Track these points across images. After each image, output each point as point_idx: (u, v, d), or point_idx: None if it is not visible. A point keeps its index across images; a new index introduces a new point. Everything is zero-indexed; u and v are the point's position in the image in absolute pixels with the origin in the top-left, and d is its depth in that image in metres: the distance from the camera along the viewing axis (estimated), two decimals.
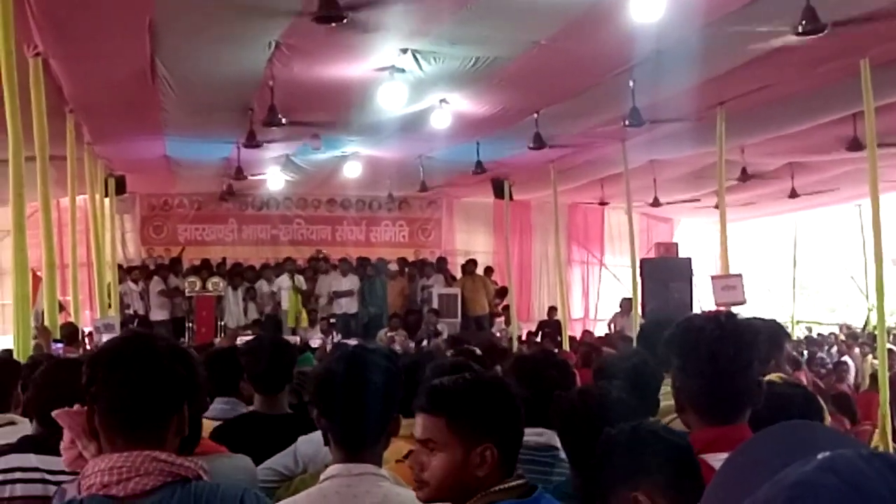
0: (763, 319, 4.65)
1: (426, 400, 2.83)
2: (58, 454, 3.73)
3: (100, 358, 2.51)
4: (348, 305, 21.26)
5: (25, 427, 4.33)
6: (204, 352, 6.38)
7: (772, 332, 4.47)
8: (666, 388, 4.15)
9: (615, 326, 20.78)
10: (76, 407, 2.58)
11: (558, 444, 3.85)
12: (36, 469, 3.78)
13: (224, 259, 22.42)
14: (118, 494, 2.34)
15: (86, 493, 2.38)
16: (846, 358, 18.58)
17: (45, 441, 3.93)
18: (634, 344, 14.19)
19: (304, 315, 20.70)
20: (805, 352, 18.19)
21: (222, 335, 18.71)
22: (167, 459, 2.41)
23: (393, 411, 3.19)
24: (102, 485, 2.36)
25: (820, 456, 1.01)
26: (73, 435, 2.53)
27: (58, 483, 3.74)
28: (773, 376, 4.10)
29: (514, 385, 2.93)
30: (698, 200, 21.44)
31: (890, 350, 16.11)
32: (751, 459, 1.23)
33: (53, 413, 2.57)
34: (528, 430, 3.06)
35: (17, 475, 3.76)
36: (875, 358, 14.12)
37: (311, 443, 4.15)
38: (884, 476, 0.96)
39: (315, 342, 16.81)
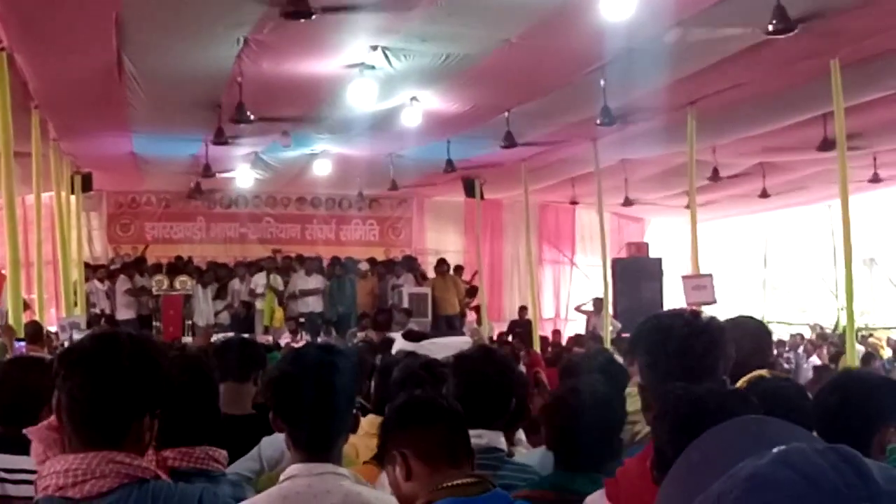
0: (751, 319, 4.61)
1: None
2: (18, 453, 3.68)
3: (67, 356, 2.50)
4: (314, 304, 21.19)
5: None
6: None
7: (757, 332, 4.44)
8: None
9: (588, 325, 20.82)
10: (49, 420, 2.51)
11: (501, 446, 3.80)
12: None
13: (190, 258, 22.27)
14: (74, 496, 2.32)
15: (42, 495, 2.36)
16: (814, 357, 18.66)
17: (4, 440, 3.86)
18: (608, 344, 14.29)
19: (279, 314, 20.63)
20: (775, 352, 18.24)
21: (190, 334, 18.60)
22: (123, 461, 2.37)
23: (351, 409, 3.16)
24: (58, 487, 2.33)
25: (774, 450, 1.02)
26: (45, 447, 2.47)
27: (16, 482, 3.68)
28: (761, 372, 4.09)
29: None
30: (669, 201, 21.51)
31: (869, 354, 16.25)
32: (704, 456, 1.22)
33: (25, 431, 2.53)
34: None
35: None
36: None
37: (274, 445, 4.10)
38: (838, 468, 0.97)
39: (285, 340, 16.75)
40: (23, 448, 3.66)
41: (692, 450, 1.26)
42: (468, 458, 2.92)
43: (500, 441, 3.81)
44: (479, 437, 3.74)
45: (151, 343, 2.63)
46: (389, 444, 2.96)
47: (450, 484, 2.67)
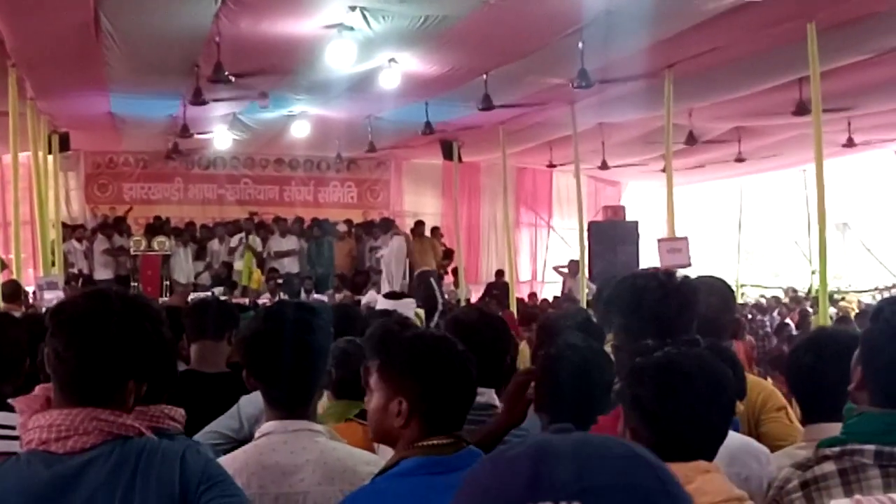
0: (713, 278, 4.66)
1: (373, 340, 2.88)
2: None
3: (57, 313, 2.50)
4: (290, 265, 21.20)
5: None
6: None
7: (722, 290, 4.48)
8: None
9: (564, 287, 20.93)
10: (37, 389, 2.53)
11: (497, 403, 3.85)
12: None
13: (168, 219, 22.21)
14: (57, 451, 2.35)
15: (26, 449, 2.39)
16: (788, 320, 18.81)
17: None
18: (585, 304, 14.37)
19: (257, 275, 20.64)
20: (749, 315, 18.40)
21: (168, 294, 18.59)
22: (107, 418, 2.41)
23: (325, 366, 3.19)
24: (41, 441, 2.36)
25: None
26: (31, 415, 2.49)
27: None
28: None
29: (464, 350, 2.86)
30: (646, 165, 21.56)
31: (844, 317, 16.37)
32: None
33: (11, 401, 2.54)
34: None
35: None
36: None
37: (253, 403, 4.13)
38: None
39: (263, 301, 16.78)
40: (2, 404, 3.72)
41: None
42: (461, 425, 2.83)
43: (496, 399, 3.87)
44: (481, 395, 3.78)
45: (144, 305, 2.61)
46: (392, 380, 2.77)
47: (426, 443, 2.70)
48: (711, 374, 2.39)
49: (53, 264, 16.37)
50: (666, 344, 2.50)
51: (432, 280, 17.76)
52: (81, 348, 2.40)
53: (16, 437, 2.55)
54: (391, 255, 18.64)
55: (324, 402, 4.26)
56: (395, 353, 2.79)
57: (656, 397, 2.37)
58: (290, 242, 21.46)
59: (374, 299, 12.02)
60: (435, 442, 2.70)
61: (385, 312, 6.29)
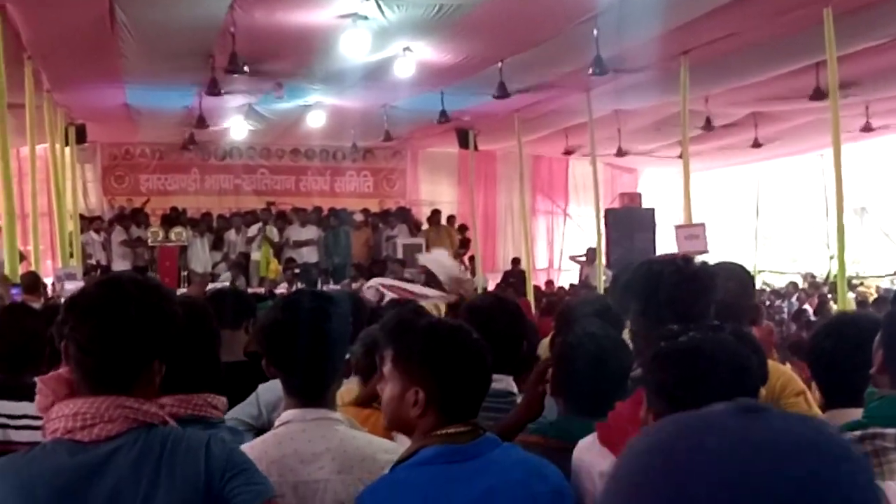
0: (732, 263, 4.64)
1: (387, 329, 2.88)
2: (19, 399, 3.73)
3: (73, 305, 2.50)
4: (309, 255, 21.23)
5: None
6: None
7: (741, 275, 4.46)
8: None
9: (581, 275, 20.92)
10: (60, 369, 2.53)
11: (514, 390, 3.86)
12: None
13: (184, 209, 22.26)
14: (83, 440, 2.35)
15: (50, 438, 2.39)
16: (806, 306, 18.77)
17: (4, 387, 3.91)
18: (602, 291, 14.35)
19: (274, 265, 20.68)
20: (766, 301, 18.37)
21: (186, 285, 18.64)
22: (132, 406, 2.41)
23: (343, 355, 3.20)
24: (66, 430, 2.37)
25: None
26: (53, 397, 2.49)
27: (18, 428, 3.72)
28: None
29: (480, 338, 2.86)
30: (662, 151, 21.49)
31: (862, 301, 16.32)
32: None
33: (37, 379, 2.52)
34: None
35: None
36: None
37: (271, 390, 4.14)
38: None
39: (281, 290, 16.80)
40: (24, 394, 3.75)
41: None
42: (477, 413, 2.83)
43: (514, 385, 3.88)
44: (499, 382, 3.78)
45: (156, 286, 2.63)
46: (407, 370, 2.78)
47: (443, 432, 2.71)
48: (735, 360, 2.38)
49: (72, 256, 16.46)
50: (690, 329, 2.49)
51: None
52: (103, 337, 2.41)
53: (36, 427, 2.56)
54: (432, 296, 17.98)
55: (353, 389, 4.27)
56: (409, 343, 2.79)
57: (680, 382, 2.36)
58: (310, 232, 21.48)
59: (374, 285, 12.03)
60: (452, 430, 2.71)
61: (399, 302, 6.31)
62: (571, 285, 20.28)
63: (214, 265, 20.79)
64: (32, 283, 11.37)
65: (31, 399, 3.66)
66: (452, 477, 2.64)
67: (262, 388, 4.30)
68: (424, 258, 12.52)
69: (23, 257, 12.99)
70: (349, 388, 4.19)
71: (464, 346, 2.77)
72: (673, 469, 1.00)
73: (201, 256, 20.59)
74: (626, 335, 3.95)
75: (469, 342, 2.80)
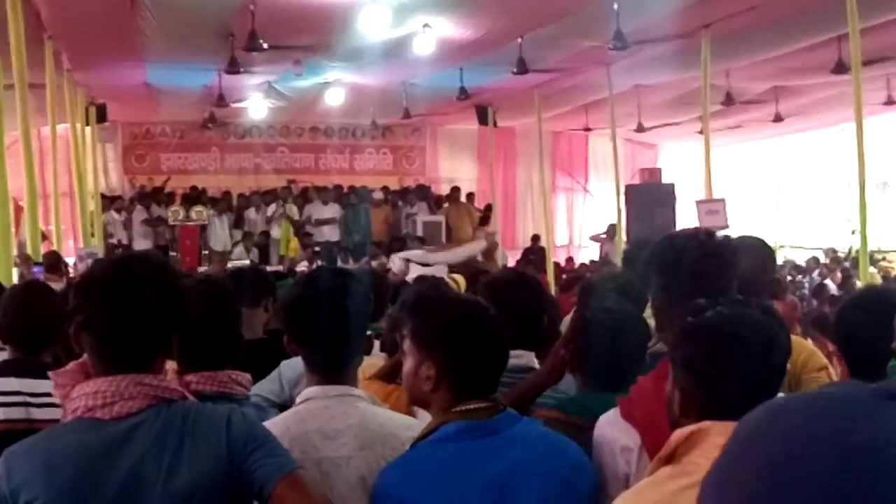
0: (751, 237, 4.62)
1: (406, 305, 2.92)
2: (39, 377, 3.76)
3: (84, 285, 2.50)
4: (330, 233, 21.28)
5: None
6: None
7: (761, 250, 4.45)
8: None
9: (601, 251, 20.89)
10: (74, 364, 2.54)
11: (536, 365, 3.86)
12: (17, 392, 3.78)
13: (204, 189, 22.34)
14: (104, 417, 2.37)
15: (72, 417, 2.41)
16: (827, 281, 18.70)
17: (25, 365, 3.93)
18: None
19: (294, 244, 20.73)
20: (788, 276, 18.31)
21: (207, 263, 18.71)
22: (151, 382, 2.43)
23: (364, 331, 3.21)
24: (87, 408, 2.38)
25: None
26: (71, 385, 2.51)
27: (40, 405, 3.74)
28: None
29: (497, 314, 2.86)
30: (683, 126, 21.41)
31: (885, 276, 16.24)
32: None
33: (51, 374, 2.54)
34: None
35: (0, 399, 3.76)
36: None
37: (293, 367, 4.16)
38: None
39: (301, 268, 16.84)
40: (44, 372, 3.75)
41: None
42: (494, 390, 2.83)
43: (535, 361, 3.89)
44: (519, 357, 3.78)
45: (162, 263, 2.64)
46: (421, 345, 2.80)
47: (463, 408, 2.71)
48: (764, 335, 2.37)
49: (93, 235, 16.54)
50: (717, 303, 2.48)
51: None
52: (120, 324, 2.41)
53: (58, 405, 2.57)
54: (466, 253, 17.85)
55: (376, 364, 4.27)
56: (424, 318, 2.82)
57: (708, 357, 2.35)
58: (332, 210, 21.53)
59: (399, 269, 12.05)
60: (472, 406, 2.71)
61: (422, 278, 6.31)
62: (592, 261, 20.26)
63: (235, 244, 20.84)
64: (54, 262, 11.45)
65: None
66: (474, 452, 2.65)
67: (284, 364, 4.32)
68: (435, 258, 12.56)
69: (44, 237, 13.09)
70: (372, 362, 4.20)
71: (478, 323, 2.77)
72: (819, 469, 0.90)
73: (220, 235, 20.66)
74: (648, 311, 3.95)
75: (484, 318, 2.80)
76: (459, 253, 15.26)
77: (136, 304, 2.41)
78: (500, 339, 2.81)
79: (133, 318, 2.42)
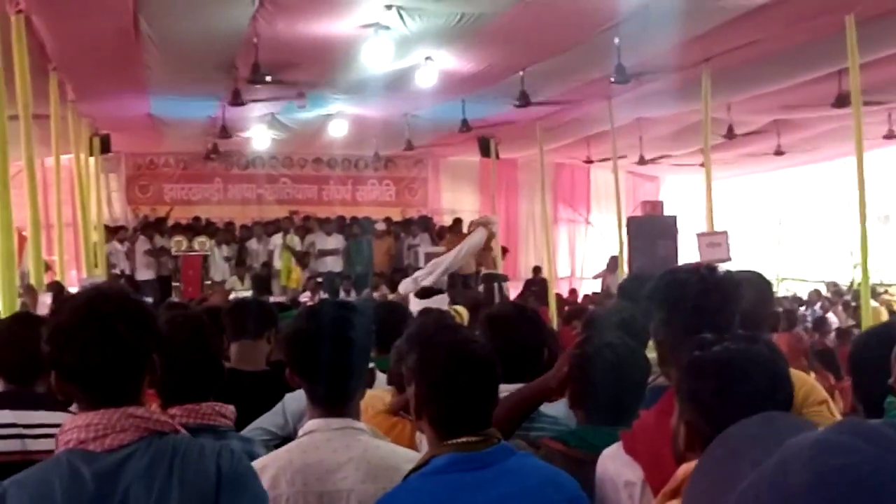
0: (749, 271, 4.64)
1: (406, 339, 3.02)
2: (33, 408, 3.76)
3: (56, 336, 2.46)
4: (333, 264, 21.29)
5: None
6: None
7: (759, 283, 4.46)
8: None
9: (603, 284, 20.90)
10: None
11: None
12: (12, 424, 3.78)
13: (208, 219, 22.38)
14: (95, 450, 2.39)
15: (63, 448, 2.42)
16: (829, 314, 18.69)
17: (19, 396, 3.93)
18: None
19: (296, 274, 20.74)
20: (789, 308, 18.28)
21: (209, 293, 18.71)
22: (143, 415, 2.45)
23: (366, 364, 3.23)
24: (79, 441, 2.40)
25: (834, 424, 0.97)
26: None
27: (36, 437, 3.74)
28: None
29: (483, 351, 2.88)
30: (684, 159, 21.44)
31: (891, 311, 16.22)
32: (728, 451, 1.22)
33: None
34: (503, 387, 3.07)
35: None
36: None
37: (297, 400, 4.16)
38: None
39: (304, 299, 16.83)
40: (38, 403, 3.78)
41: (717, 445, 1.22)
42: (485, 426, 2.82)
43: None
44: None
45: (121, 289, 2.65)
46: (409, 380, 2.88)
47: (454, 441, 2.72)
48: (771, 371, 2.38)
49: (96, 265, 16.54)
50: (724, 338, 2.49)
51: (498, 285, 17.51)
52: (98, 364, 2.41)
53: (52, 435, 2.58)
54: (469, 247, 17.78)
55: (386, 398, 4.27)
56: (409, 355, 2.87)
57: (715, 391, 2.36)
58: (335, 241, 21.54)
59: (407, 289, 12.03)
60: (464, 440, 2.72)
61: (423, 312, 6.31)
62: (594, 293, 20.25)
63: (240, 275, 20.82)
64: (57, 293, 11.45)
65: (46, 408, 3.71)
66: (465, 485, 2.65)
67: (288, 397, 4.33)
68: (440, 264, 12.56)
69: (48, 267, 13.10)
70: (377, 395, 4.21)
71: (456, 362, 2.78)
72: None
73: (220, 266, 20.67)
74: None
75: (465, 358, 2.80)
76: (464, 249, 15.24)
77: (111, 344, 2.41)
78: (485, 377, 2.81)
79: (113, 359, 2.42)
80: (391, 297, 13.69)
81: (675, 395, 2.53)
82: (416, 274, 14.31)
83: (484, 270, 18.06)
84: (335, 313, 3.17)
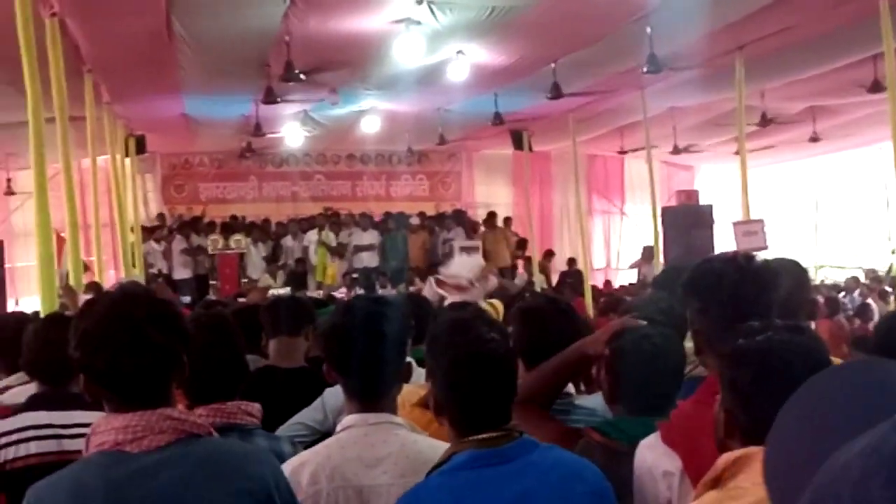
0: (785, 259, 4.61)
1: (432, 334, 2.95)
2: (69, 408, 3.80)
3: (85, 340, 2.45)
4: (369, 259, 21.36)
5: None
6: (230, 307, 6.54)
7: (796, 271, 4.42)
8: None
9: (639, 274, 20.84)
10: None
11: (570, 390, 3.85)
12: (48, 426, 3.80)
13: (244, 217, 22.50)
14: (132, 451, 2.38)
15: (96, 450, 2.41)
16: (870, 300, 18.54)
17: (54, 397, 3.96)
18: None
19: (331, 270, 20.81)
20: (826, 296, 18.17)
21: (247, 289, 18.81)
22: (179, 417, 2.46)
23: (403, 358, 3.23)
24: (115, 442, 2.38)
25: None
26: None
27: (73, 437, 3.77)
28: None
29: (502, 349, 2.84)
30: (719, 148, 21.33)
31: None
32: (822, 401, 1.09)
33: None
34: None
35: (31, 433, 3.78)
36: None
37: (336, 395, 4.16)
38: None
39: (340, 295, 16.87)
40: (72, 403, 3.80)
41: (808, 390, 1.09)
42: (506, 421, 2.79)
43: (570, 386, 3.88)
44: None
45: (147, 290, 2.67)
46: (428, 375, 2.91)
47: (475, 438, 2.71)
48: (812, 361, 2.36)
49: (134, 265, 16.66)
50: (770, 327, 2.47)
51: None
52: (131, 370, 2.41)
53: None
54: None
55: (421, 393, 4.28)
56: (427, 356, 2.89)
57: (753, 380, 2.34)
58: (371, 236, 21.61)
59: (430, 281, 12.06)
60: (485, 436, 2.71)
61: (456, 304, 6.28)
62: (630, 284, 20.19)
63: (272, 273, 20.93)
64: (96, 293, 11.53)
65: (81, 407, 3.73)
66: (487, 481, 2.64)
67: (328, 392, 4.34)
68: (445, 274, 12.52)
69: (86, 268, 13.18)
70: (414, 389, 4.22)
71: (469, 360, 2.75)
72: None
73: (257, 263, 20.78)
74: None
75: (479, 358, 2.76)
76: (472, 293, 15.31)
77: (143, 348, 2.40)
78: (500, 374, 2.79)
79: (145, 363, 2.42)
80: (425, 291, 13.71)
81: (718, 382, 2.52)
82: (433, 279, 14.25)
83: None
84: (369, 308, 3.19)
